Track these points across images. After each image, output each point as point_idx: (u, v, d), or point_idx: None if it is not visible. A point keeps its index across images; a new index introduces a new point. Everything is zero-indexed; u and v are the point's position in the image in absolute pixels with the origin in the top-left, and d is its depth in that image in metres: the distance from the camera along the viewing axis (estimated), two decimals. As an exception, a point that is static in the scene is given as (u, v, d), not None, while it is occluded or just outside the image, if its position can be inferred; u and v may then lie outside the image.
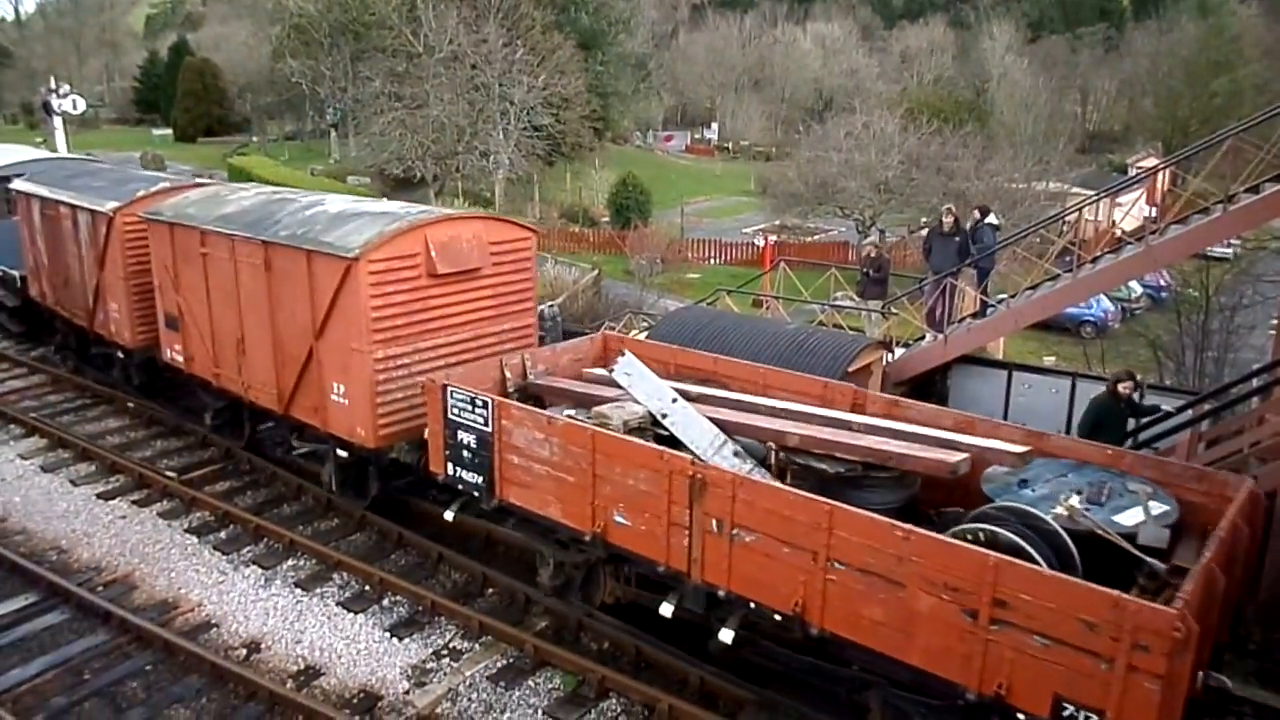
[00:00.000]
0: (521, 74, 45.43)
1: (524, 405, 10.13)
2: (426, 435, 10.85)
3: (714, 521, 8.23)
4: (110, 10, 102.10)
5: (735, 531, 8.10)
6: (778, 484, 8.60)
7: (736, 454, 9.50)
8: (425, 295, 11.68)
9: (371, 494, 12.88)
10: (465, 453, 10.30)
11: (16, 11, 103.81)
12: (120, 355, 16.82)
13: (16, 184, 18.84)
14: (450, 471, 10.59)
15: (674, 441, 9.53)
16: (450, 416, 10.33)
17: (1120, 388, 11.68)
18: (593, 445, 9.04)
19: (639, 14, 70.71)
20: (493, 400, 9.91)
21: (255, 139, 71.53)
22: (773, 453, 9.51)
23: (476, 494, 10.39)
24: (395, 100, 46.04)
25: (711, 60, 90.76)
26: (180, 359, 14.79)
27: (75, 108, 33.32)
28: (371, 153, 48.68)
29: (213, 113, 75.00)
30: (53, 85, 33.31)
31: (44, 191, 17.68)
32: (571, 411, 10.32)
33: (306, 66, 56.87)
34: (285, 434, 13.93)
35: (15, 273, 20.03)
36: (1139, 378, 12.94)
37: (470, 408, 10.07)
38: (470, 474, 10.34)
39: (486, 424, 9.94)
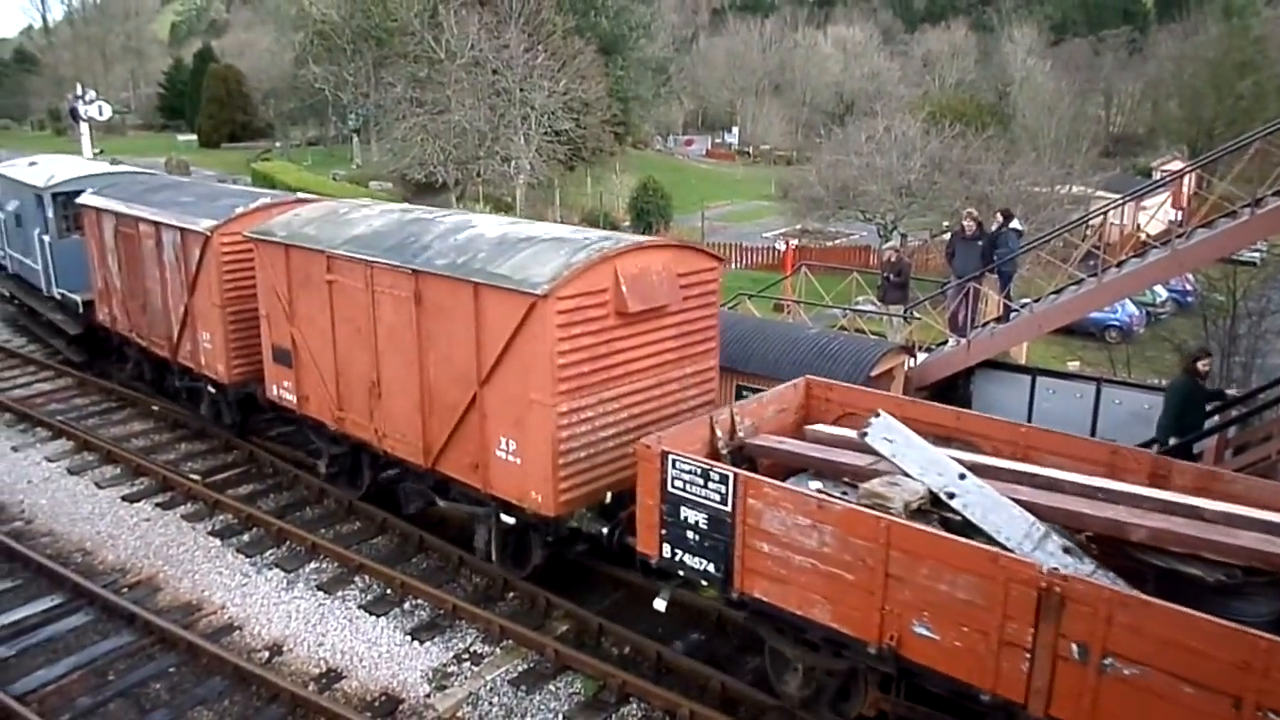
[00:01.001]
0: (542, 79, 45.62)
1: (782, 484, 8.34)
2: (635, 509, 9.23)
3: (1074, 646, 6.58)
4: (136, 17, 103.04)
5: (1108, 661, 6.45)
6: (1182, 609, 6.31)
7: (1067, 550, 7.58)
8: (612, 337, 10.02)
9: (534, 564, 11.12)
10: (691, 534, 8.61)
11: (44, 19, 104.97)
12: (211, 390, 15.25)
13: (85, 199, 17.30)
14: (667, 554, 8.87)
15: (963, 527, 7.81)
16: (671, 490, 8.63)
17: (1200, 365, 11.41)
18: (887, 539, 7.30)
19: (659, 19, 70.96)
20: (735, 475, 8.20)
21: (278, 144, 72.07)
22: (1089, 545, 7.78)
23: (705, 582, 8.78)
24: (417, 105, 46.33)
25: (732, 64, 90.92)
26: (291, 398, 13.15)
27: (101, 114, 33.56)
28: (393, 158, 48.98)
29: (236, 118, 75.67)
30: (79, 92, 33.60)
31: (119, 207, 16.16)
32: (818, 484, 8.81)
33: (329, 72, 57.29)
34: (425, 490, 12.01)
35: (77, 297, 18.39)
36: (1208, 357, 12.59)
37: (701, 481, 8.39)
38: (697, 560, 8.63)
39: (724, 502, 8.25)
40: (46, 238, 18.91)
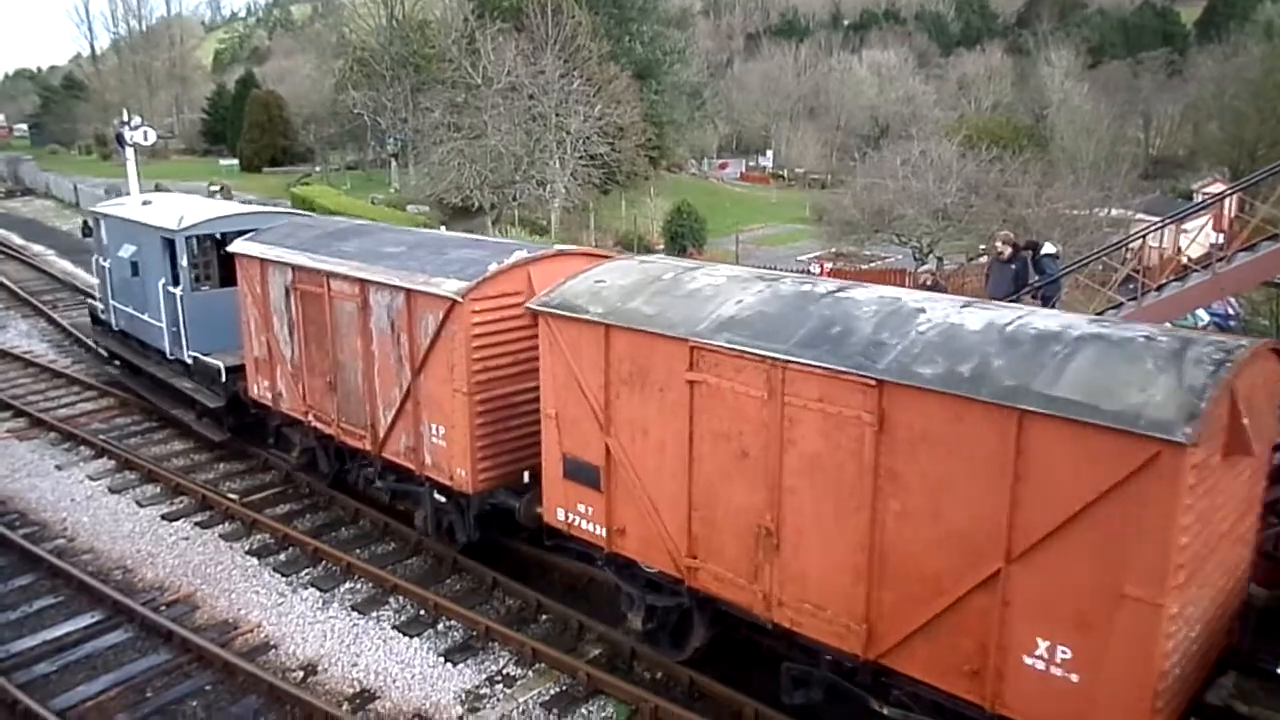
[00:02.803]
0: (578, 104, 46.08)
1: None
2: None
3: None
4: (181, 45, 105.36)
5: None
6: None
7: None
8: None
9: None
10: None
11: (92, 47, 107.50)
12: (438, 499, 11.95)
13: (242, 246, 14.27)
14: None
15: None
16: None
17: None
18: None
19: (694, 44, 71.48)
20: None
21: (318, 169, 73.08)
22: None
23: None
24: (454, 130, 46.95)
25: (766, 88, 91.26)
26: (592, 528, 9.79)
27: (146, 139, 34.15)
28: (430, 182, 49.58)
29: (277, 143, 76.84)
30: (125, 117, 34.29)
31: (298, 258, 13.04)
32: None
33: (368, 98, 58.16)
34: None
35: (218, 363, 15.42)
36: None
37: None
38: None
39: None
40: (176, 290, 15.88)
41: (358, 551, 13.00)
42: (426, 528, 12.40)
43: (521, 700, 9.78)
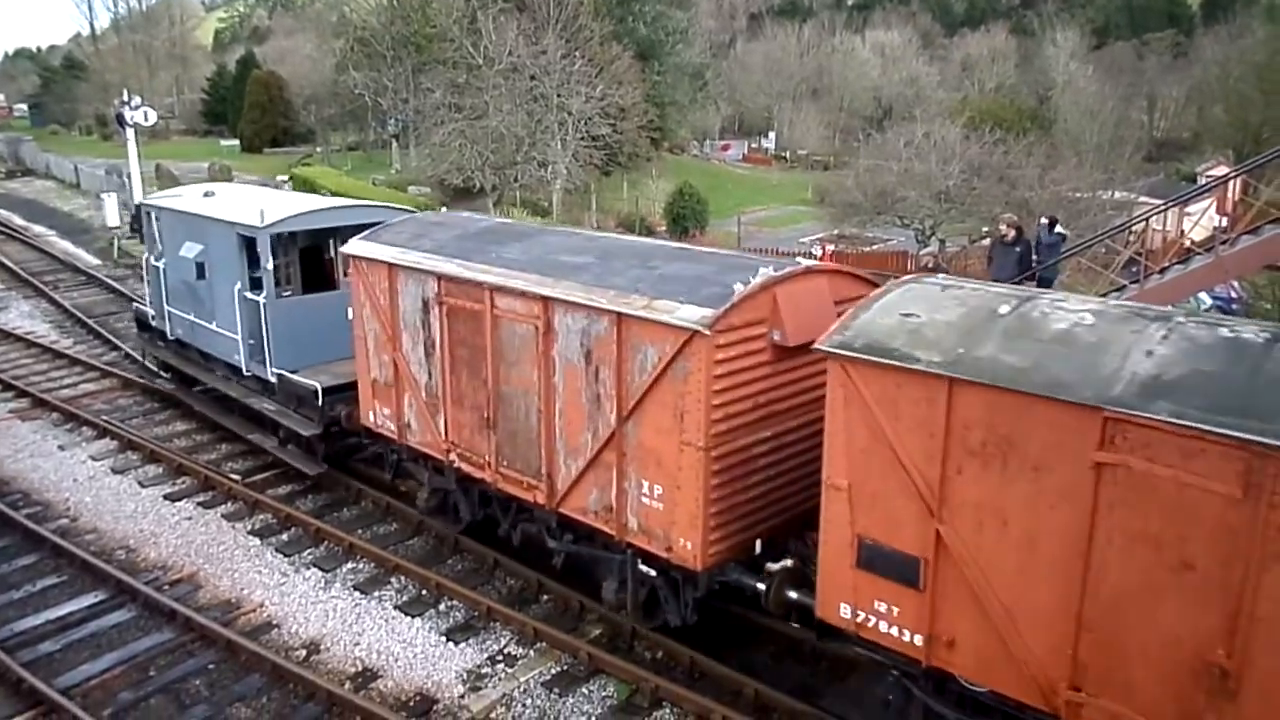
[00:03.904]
0: (579, 84, 45.90)
1: None
2: None
3: None
4: (181, 25, 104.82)
5: None
6: None
7: None
8: None
9: None
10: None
11: (92, 26, 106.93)
12: (645, 569, 9.56)
13: (360, 248, 12.05)
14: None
15: None
16: None
17: None
18: None
19: (696, 24, 71.13)
20: None
21: (319, 150, 72.87)
22: None
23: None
24: (455, 111, 46.79)
25: (769, 69, 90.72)
26: (911, 637, 7.50)
27: (147, 119, 34.20)
28: (432, 163, 49.45)
29: (278, 124, 76.55)
30: (125, 98, 34.27)
31: (446, 266, 10.77)
32: None
33: (369, 78, 57.91)
34: None
35: (313, 382, 13.32)
36: None
37: None
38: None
39: None
40: (258, 297, 13.88)
41: (360, 532, 13.04)
42: (622, 602, 10.05)
43: (523, 679, 9.83)
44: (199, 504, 13.91)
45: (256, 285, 14.03)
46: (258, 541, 12.81)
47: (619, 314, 8.94)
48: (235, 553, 12.52)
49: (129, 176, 34.74)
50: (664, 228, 47.60)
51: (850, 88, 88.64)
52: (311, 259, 14.81)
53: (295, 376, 13.60)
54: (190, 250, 15.21)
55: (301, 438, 13.79)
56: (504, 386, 10.39)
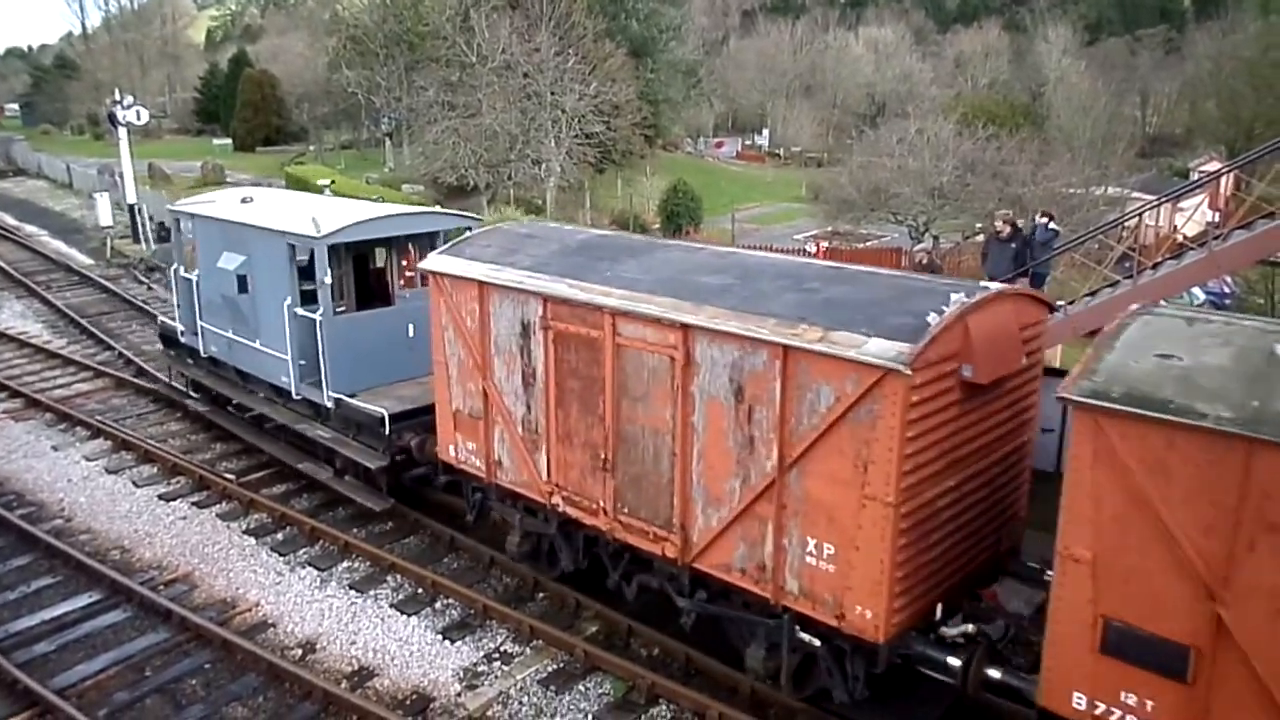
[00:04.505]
0: (573, 82, 45.84)
1: None
2: None
3: None
4: (172, 23, 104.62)
5: None
6: None
7: None
8: None
9: None
10: None
11: (83, 25, 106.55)
12: (806, 638, 8.40)
13: (444, 262, 10.86)
14: None
15: None
16: None
17: None
18: None
19: (689, 21, 71.11)
20: None
21: (312, 148, 72.71)
22: None
23: None
24: (449, 109, 46.70)
25: (762, 66, 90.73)
26: None
27: (139, 119, 34.13)
28: (425, 161, 49.33)
29: (271, 123, 76.36)
30: (117, 97, 34.18)
31: (553, 286, 9.57)
32: None
33: (362, 77, 57.75)
34: None
35: (380, 409, 12.20)
36: None
37: None
38: None
39: None
40: (313, 314, 12.77)
41: (355, 530, 13.03)
42: (772, 670, 8.78)
43: (519, 677, 9.84)
44: (193, 504, 13.89)
45: (308, 300, 12.96)
46: (253, 541, 12.80)
47: (784, 346, 7.73)
48: (230, 552, 12.51)
49: (121, 176, 34.68)
50: (658, 225, 47.61)
51: (843, 84, 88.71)
52: (360, 270, 13.99)
53: (356, 401, 12.58)
54: (230, 262, 14.01)
55: (361, 468, 12.70)
56: (627, 424, 9.23)
